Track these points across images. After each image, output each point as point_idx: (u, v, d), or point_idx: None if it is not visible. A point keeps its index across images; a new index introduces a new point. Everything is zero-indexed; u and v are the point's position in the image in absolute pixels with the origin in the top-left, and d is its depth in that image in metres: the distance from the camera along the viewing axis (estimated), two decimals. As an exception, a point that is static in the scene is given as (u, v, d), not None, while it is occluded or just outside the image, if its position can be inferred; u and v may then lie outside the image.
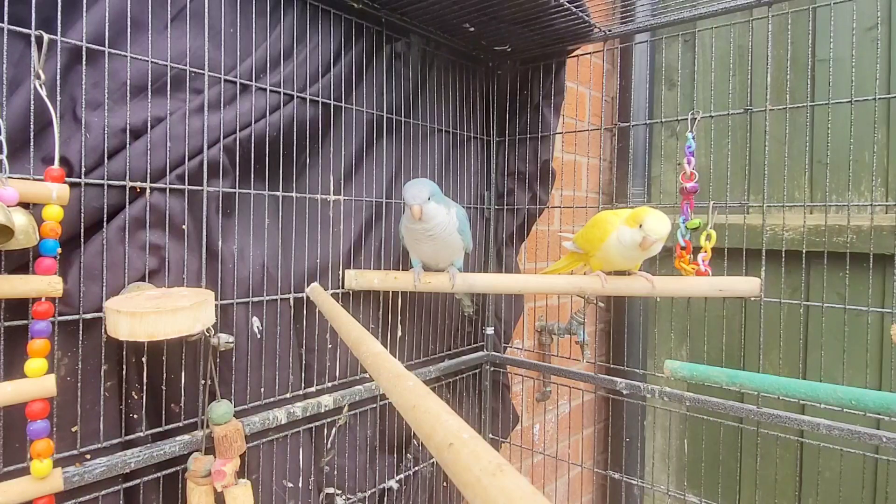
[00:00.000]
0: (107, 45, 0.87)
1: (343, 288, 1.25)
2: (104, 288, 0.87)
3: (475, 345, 1.67)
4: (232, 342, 1.00)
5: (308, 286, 1.17)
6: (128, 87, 0.90)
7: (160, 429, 0.95)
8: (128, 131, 0.90)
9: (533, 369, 1.71)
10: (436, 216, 1.15)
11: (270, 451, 1.10)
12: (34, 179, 0.79)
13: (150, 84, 0.93)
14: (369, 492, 1.31)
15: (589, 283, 1.28)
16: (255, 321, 1.08)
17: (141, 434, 0.93)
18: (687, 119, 1.33)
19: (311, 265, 1.19)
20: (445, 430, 0.53)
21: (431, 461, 1.47)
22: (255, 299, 1.08)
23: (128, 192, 0.90)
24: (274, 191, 1.12)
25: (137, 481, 0.93)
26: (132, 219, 0.91)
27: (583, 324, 1.69)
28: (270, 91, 1.08)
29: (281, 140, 1.11)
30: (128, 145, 0.90)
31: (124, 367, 0.91)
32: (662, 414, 2.37)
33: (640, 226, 1.14)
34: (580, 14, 1.33)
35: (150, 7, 0.93)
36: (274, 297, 1.11)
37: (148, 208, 0.92)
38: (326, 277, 1.22)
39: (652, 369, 2.27)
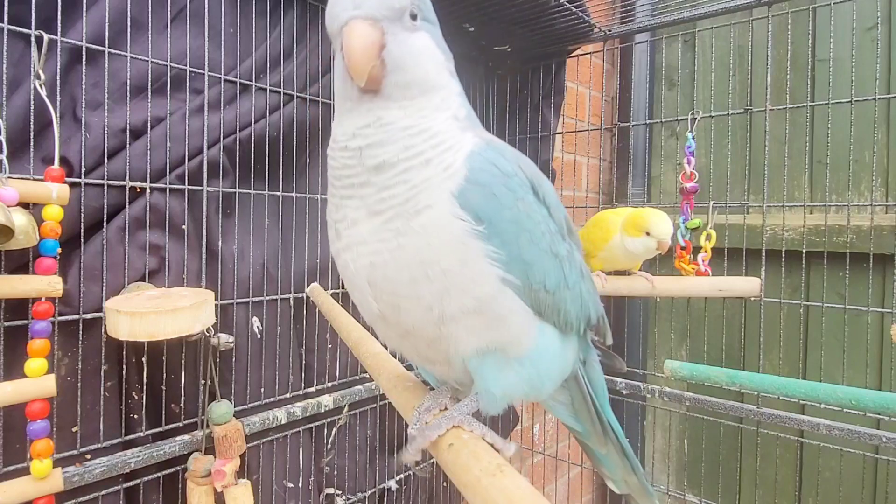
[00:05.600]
0: (107, 45, 0.87)
1: (343, 288, 1.25)
2: (104, 288, 0.87)
3: (475, 345, 1.67)
4: (232, 342, 1.00)
5: (308, 286, 1.17)
6: (128, 87, 0.90)
7: (160, 429, 0.95)
8: (128, 131, 0.90)
9: (533, 369, 1.70)
10: (425, 80, 0.46)
11: (270, 451, 1.10)
12: (34, 179, 0.79)
13: (150, 84, 0.93)
14: (369, 492, 1.31)
15: (589, 283, 1.28)
16: (255, 321, 1.08)
17: (141, 434, 0.93)
18: (687, 119, 1.33)
19: (311, 265, 1.18)
20: (445, 430, 0.52)
21: (431, 461, 1.47)
22: (255, 299, 1.07)
23: (128, 192, 0.90)
24: (274, 191, 1.12)
25: (137, 481, 0.93)
26: (132, 219, 0.91)
27: (583, 324, 1.69)
28: (270, 91, 1.08)
29: (281, 140, 1.11)
30: (128, 145, 0.90)
31: (124, 367, 0.91)
32: (662, 414, 2.37)
33: (648, 233, 1.14)
34: (580, 14, 1.33)
35: (150, 7, 0.93)
36: (274, 297, 1.11)
37: (148, 208, 0.92)
38: (326, 277, 1.22)
39: (652, 369, 2.27)
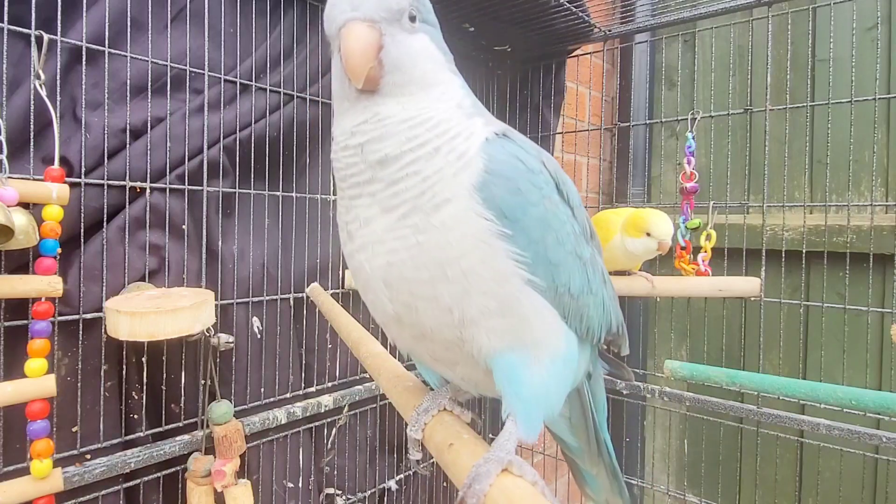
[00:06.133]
0: (107, 45, 0.87)
1: (343, 288, 1.25)
2: (104, 288, 0.87)
3: (475, 345, 1.67)
4: (232, 342, 1.00)
5: (308, 286, 1.17)
6: (128, 87, 0.90)
7: (160, 429, 0.95)
8: (128, 131, 0.90)
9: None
10: (423, 79, 0.45)
11: (270, 451, 1.10)
12: (34, 179, 0.79)
13: (150, 84, 0.93)
14: (369, 492, 1.31)
15: (589, 283, 1.28)
16: (255, 321, 1.08)
17: (141, 434, 0.93)
18: (687, 119, 1.33)
19: (311, 265, 1.18)
20: (446, 431, 0.52)
21: (431, 461, 1.47)
22: (255, 299, 1.07)
23: (128, 192, 0.90)
24: (274, 191, 1.12)
25: (138, 481, 0.93)
26: (132, 219, 0.91)
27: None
28: (270, 91, 1.08)
29: (281, 140, 1.11)
30: (128, 145, 0.90)
31: (124, 367, 0.91)
32: (662, 414, 2.37)
33: (648, 234, 1.15)
34: (580, 14, 1.33)
35: (150, 7, 0.93)
36: (274, 297, 1.11)
37: (148, 208, 0.92)
38: (326, 277, 1.22)
39: (652, 369, 2.27)
